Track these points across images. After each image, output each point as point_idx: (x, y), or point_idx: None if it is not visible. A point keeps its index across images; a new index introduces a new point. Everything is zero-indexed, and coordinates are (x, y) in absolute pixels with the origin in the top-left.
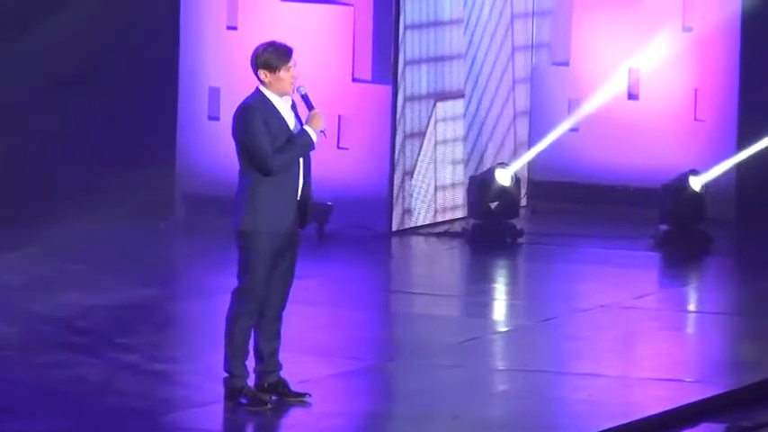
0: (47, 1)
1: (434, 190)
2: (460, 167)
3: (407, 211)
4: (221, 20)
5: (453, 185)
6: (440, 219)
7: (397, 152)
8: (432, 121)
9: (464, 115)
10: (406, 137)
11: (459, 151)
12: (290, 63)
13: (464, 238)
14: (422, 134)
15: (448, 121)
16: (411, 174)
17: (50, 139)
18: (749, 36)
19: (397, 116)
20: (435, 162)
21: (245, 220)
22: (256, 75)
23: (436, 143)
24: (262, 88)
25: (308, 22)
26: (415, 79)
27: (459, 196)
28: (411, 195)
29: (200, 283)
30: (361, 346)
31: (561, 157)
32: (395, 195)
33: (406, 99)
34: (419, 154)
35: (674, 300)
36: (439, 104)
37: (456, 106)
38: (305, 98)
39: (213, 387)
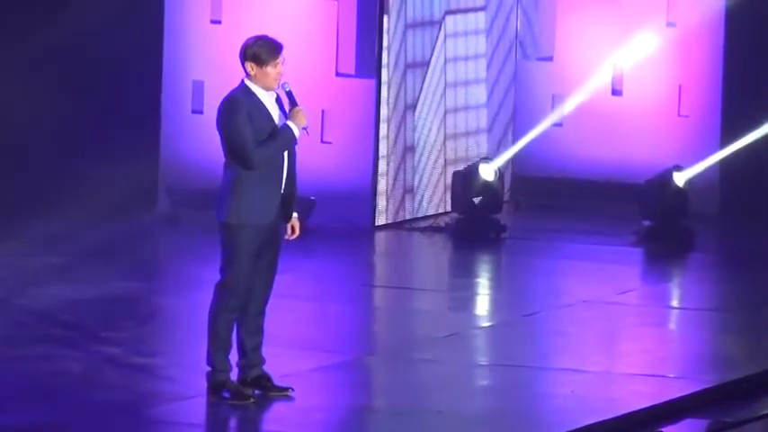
0: None
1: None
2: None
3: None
4: (205, 13)
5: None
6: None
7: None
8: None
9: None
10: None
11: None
12: (279, 60)
13: (447, 232)
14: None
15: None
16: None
17: (33, 131)
18: (733, 32)
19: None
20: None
21: (229, 212)
22: (243, 66)
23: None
24: (247, 81)
25: (292, 16)
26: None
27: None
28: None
29: (184, 276)
30: (343, 341)
31: (545, 153)
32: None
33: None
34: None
35: (657, 296)
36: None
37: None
38: (289, 95)
39: (196, 381)
